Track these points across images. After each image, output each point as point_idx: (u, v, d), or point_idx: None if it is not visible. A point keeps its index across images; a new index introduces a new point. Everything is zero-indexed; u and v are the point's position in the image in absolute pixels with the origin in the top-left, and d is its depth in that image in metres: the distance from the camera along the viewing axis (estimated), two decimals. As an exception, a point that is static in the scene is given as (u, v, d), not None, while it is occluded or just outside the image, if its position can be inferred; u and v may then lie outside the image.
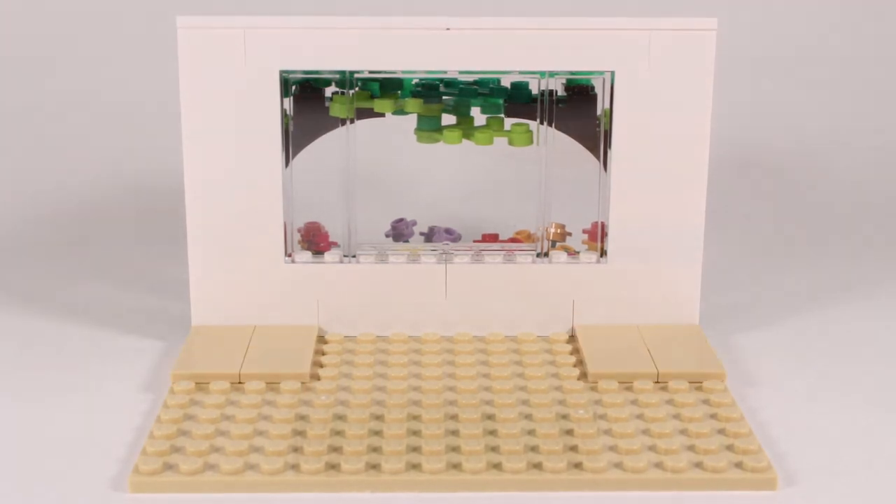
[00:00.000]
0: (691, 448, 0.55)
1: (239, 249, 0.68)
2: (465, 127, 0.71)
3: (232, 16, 0.66)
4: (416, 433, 0.56)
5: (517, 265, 0.69)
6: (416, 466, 0.53)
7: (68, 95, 1.09)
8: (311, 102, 0.70)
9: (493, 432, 0.56)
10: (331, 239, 0.73)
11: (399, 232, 0.76)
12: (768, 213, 0.98)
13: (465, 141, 0.71)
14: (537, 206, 0.71)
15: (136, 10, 1.12)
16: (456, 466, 0.53)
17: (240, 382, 0.62)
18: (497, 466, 0.53)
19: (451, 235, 0.74)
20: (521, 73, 0.69)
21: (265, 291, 0.69)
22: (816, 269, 0.85)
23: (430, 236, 0.75)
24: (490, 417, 0.58)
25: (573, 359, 0.66)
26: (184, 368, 0.62)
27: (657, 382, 0.62)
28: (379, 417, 0.58)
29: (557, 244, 0.73)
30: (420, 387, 0.62)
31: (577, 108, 0.70)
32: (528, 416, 0.58)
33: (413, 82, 0.71)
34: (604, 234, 0.69)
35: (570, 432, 0.56)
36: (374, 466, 0.53)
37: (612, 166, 0.68)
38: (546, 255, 0.70)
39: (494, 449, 0.55)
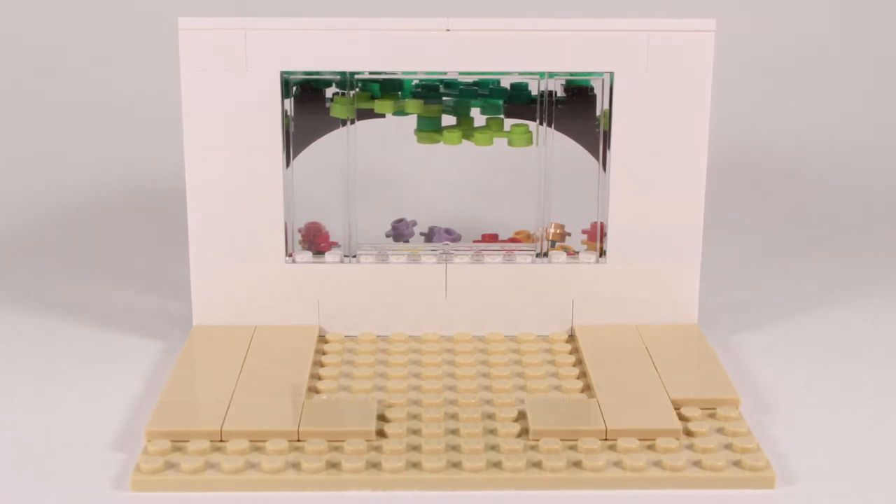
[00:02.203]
0: (690, 447, 0.55)
1: (240, 250, 0.69)
2: (465, 127, 0.71)
3: (233, 17, 0.66)
4: (416, 433, 0.56)
5: (517, 265, 0.70)
6: (416, 465, 0.53)
7: (69, 96, 1.09)
8: (311, 103, 0.70)
9: (492, 432, 0.56)
10: (331, 239, 0.73)
11: (399, 232, 0.76)
12: (768, 214, 0.98)
13: (464, 141, 0.71)
14: (537, 206, 0.71)
15: (137, 11, 1.12)
16: (456, 466, 0.53)
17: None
18: (497, 465, 0.53)
19: (451, 235, 0.74)
20: (520, 73, 0.69)
21: (266, 291, 0.69)
22: (816, 269, 0.85)
23: (430, 236, 0.75)
24: (490, 417, 0.58)
25: (573, 358, 0.66)
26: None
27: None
28: (379, 417, 0.58)
29: (557, 244, 0.73)
30: (420, 387, 0.62)
31: (576, 109, 0.70)
32: (529, 417, 0.58)
33: (413, 83, 0.72)
34: (603, 235, 0.70)
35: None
36: (374, 465, 0.53)
37: (612, 167, 0.68)
38: (546, 255, 0.71)
39: (494, 448, 0.55)
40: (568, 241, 0.74)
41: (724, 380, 0.62)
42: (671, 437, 0.55)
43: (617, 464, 0.53)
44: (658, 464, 0.53)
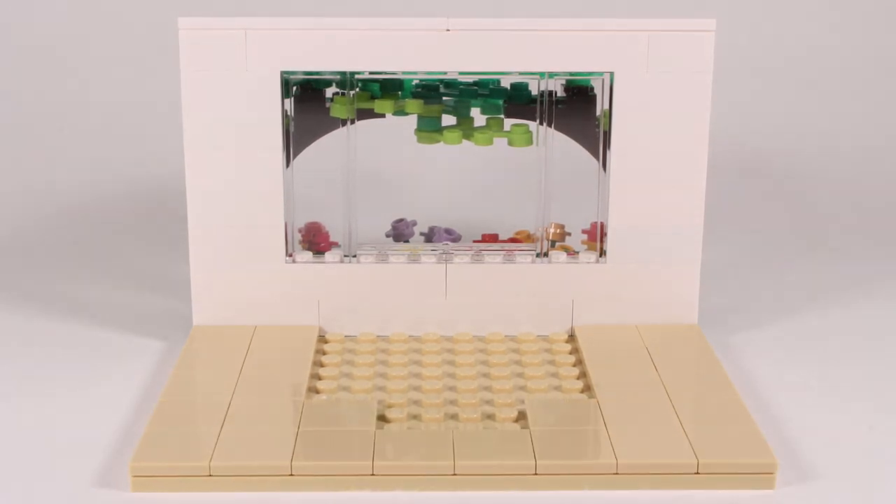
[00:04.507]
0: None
1: (240, 249, 0.69)
2: (465, 127, 0.71)
3: (233, 17, 0.66)
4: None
5: (517, 265, 0.70)
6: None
7: (70, 96, 1.09)
8: (311, 103, 0.70)
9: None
10: (331, 239, 0.73)
11: (399, 232, 0.76)
12: (767, 213, 0.98)
13: (464, 141, 0.71)
14: (537, 206, 0.71)
15: (137, 11, 1.12)
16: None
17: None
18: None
19: (451, 235, 0.74)
20: (520, 73, 0.69)
21: (266, 291, 0.69)
22: (816, 269, 0.85)
23: (430, 236, 0.75)
24: (490, 417, 0.58)
25: (573, 358, 0.66)
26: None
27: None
28: (379, 417, 0.58)
29: (557, 244, 0.73)
30: (420, 387, 0.62)
31: (576, 109, 0.70)
32: (529, 417, 0.58)
33: (413, 83, 0.72)
34: (603, 235, 0.70)
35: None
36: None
37: (612, 167, 0.68)
38: (546, 255, 0.71)
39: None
40: (568, 241, 0.74)
41: (724, 380, 0.62)
42: (671, 437, 0.55)
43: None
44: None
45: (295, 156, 0.70)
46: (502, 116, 0.71)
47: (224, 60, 0.66)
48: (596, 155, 0.70)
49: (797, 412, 0.61)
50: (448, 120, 0.72)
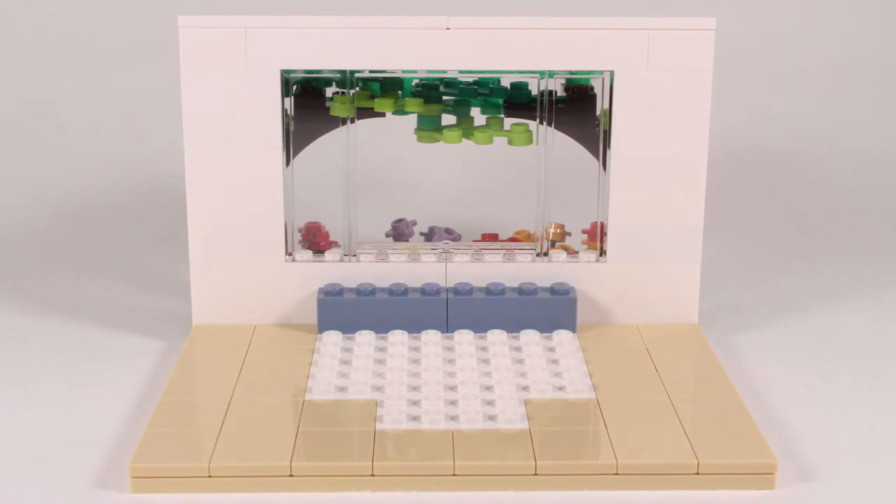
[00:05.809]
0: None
1: (240, 249, 0.69)
2: (465, 127, 0.71)
3: (233, 15, 0.66)
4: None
5: (517, 264, 0.70)
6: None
7: (69, 95, 1.09)
8: (311, 102, 0.70)
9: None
10: (331, 238, 0.73)
11: (399, 232, 0.76)
12: (768, 213, 0.98)
13: (464, 140, 0.71)
14: (537, 206, 0.71)
15: (137, 9, 1.12)
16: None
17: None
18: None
19: (451, 235, 0.74)
20: (520, 73, 0.69)
21: (266, 290, 0.69)
22: (816, 269, 0.85)
23: (430, 236, 0.75)
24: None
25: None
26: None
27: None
28: (379, 418, 0.58)
29: (557, 244, 0.73)
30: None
31: (576, 109, 0.70)
32: (529, 417, 0.58)
33: (413, 82, 0.72)
34: (603, 234, 0.69)
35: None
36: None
37: (612, 166, 0.68)
38: (546, 254, 0.71)
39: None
40: (568, 241, 0.74)
41: (724, 380, 0.62)
42: (671, 438, 0.55)
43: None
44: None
45: (295, 155, 0.69)
46: (502, 116, 0.71)
47: (224, 59, 0.66)
48: (596, 154, 0.70)
49: (797, 412, 0.61)
50: (448, 119, 0.72)
